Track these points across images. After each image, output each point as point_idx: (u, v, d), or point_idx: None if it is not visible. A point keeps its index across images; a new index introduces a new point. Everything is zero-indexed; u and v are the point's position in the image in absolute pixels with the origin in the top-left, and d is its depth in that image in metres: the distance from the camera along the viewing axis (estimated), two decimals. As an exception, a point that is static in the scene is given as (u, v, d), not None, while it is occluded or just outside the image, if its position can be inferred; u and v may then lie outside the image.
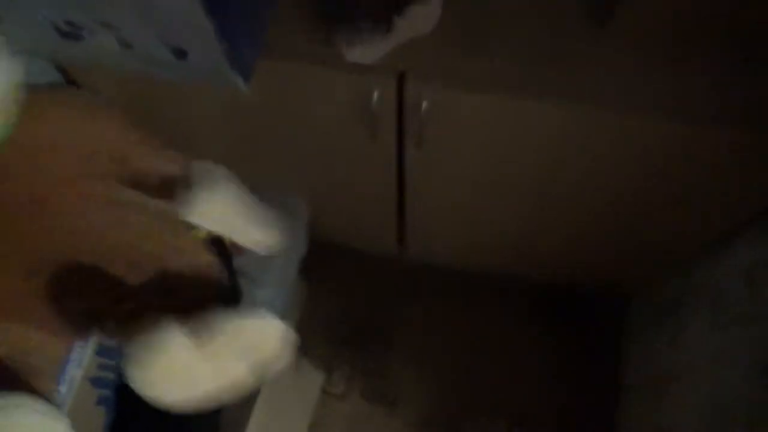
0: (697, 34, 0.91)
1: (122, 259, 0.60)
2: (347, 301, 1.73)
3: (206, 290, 0.68)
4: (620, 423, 1.43)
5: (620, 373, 1.50)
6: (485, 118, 0.97)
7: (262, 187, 0.89)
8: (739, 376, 0.99)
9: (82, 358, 0.73)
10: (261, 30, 0.89)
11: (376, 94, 0.96)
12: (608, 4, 0.90)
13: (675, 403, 1.21)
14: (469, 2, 0.94)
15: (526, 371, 1.59)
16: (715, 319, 1.12)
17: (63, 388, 0.70)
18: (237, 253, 1.33)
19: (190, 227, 0.67)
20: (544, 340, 1.61)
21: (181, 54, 0.80)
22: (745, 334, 1.01)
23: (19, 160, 0.57)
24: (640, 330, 1.47)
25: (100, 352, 0.77)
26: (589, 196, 1.11)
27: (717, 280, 1.14)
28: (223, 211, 0.68)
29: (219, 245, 0.78)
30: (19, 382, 0.57)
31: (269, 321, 0.60)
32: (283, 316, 1.07)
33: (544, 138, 0.98)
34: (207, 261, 0.70)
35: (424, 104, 0.95)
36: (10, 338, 0.57)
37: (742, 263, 1.07)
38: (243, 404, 1.18)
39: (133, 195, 0.62)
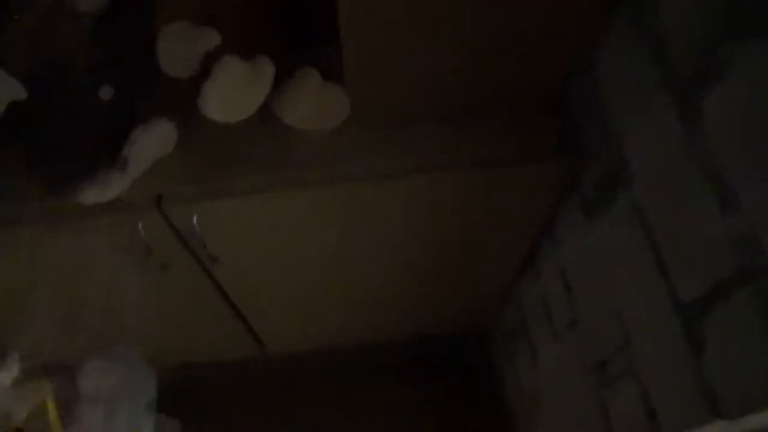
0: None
1: None
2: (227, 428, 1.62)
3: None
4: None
5: (504, 397, 1.51)
6: (256, 216, 0.94)
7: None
8: (581, 380, 1.02)
9: None
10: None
11: (141, 227, 0.90)
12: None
13: (544, 424, 1.22)
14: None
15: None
16: (553, 332, 1.15)
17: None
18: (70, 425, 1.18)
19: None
20: (420, 398, 1.60)
21: None
22: (573, 338, 1.05)
23: None
24: (505, 360, 1.49)
25: None
26: (391, 257, 1.12)
27: (543, 297, 1.18)
28: None
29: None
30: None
31: None
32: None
33: (315, 221, 0.97)
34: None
35: (195, 220, 0.90)
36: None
37: (555, 274, 1.11)
38: None
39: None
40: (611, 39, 0.80)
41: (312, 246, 1.05)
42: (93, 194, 0.81)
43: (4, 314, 1.12)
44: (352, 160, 0.88)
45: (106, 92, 0.89)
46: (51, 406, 1.20)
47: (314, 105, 0.86)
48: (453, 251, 1.12)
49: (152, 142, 0.83)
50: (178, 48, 0.86)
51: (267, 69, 0.84)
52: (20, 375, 1.16)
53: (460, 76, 0.81)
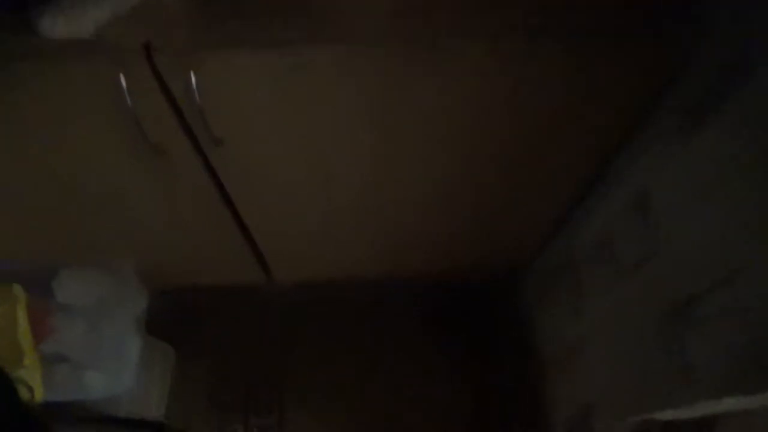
0: None
1: None
2: (224, 356, 1.47)
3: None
4: (546, 402, 1.25)
5: (535, 346, 1.33)
6: (273, 83, 0.74)
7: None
8: (651, 323, 0.83)
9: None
10: None
11: (123, 81, 0.71)
12: None
13: (588, 374, 1.04)
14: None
15: (433, 384, 1.38)
16: (616, 270, 0.96)
17: None
18: (43, 337, 1.03)
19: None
20: (446, 342, 1.42)
21: None
22: (644, 275, 0.86)
23: None
24: (539, 307, 1.30)
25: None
26: (432, 165, 0.92)
27: (604, 230, 0.99)
28: None
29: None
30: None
31: None
32: (146, 387, 1.01)
33: (346, 101, 0.77)
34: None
35: (193, 80, 0.71)
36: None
37: (629, 198, 0.92)
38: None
39: None
40: None
41: (341, 141, 0.86)
42: (59, 24, 0.62)
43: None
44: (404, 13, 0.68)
45: None
46: (21, 314, 1.04)
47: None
48: (506, 163, 0.92)
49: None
50: None
51: None
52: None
53: None
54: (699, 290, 0.73)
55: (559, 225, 1.15)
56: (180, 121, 0.80)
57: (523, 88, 0.75)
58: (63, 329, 1.10)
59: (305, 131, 0.83)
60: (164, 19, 0.68)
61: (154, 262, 1.23)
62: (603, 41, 0.69)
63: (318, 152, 0.89)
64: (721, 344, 0.69)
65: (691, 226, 0.76)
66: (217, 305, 1.51)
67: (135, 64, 0.70)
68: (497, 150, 0.88)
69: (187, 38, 0.69)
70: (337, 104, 0.78)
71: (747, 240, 0.65)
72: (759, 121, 0.64)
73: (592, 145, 0.90)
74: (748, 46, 0.66)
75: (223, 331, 1.50)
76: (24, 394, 0.81)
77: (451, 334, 1.45)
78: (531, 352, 1.32)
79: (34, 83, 0.72)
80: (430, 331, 1.45)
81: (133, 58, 0.69)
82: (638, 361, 0.88)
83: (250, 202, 1.05)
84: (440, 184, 0.97)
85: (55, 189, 0.95)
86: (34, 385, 0.98)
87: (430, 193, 1.00)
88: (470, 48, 0.69)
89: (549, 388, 1.24)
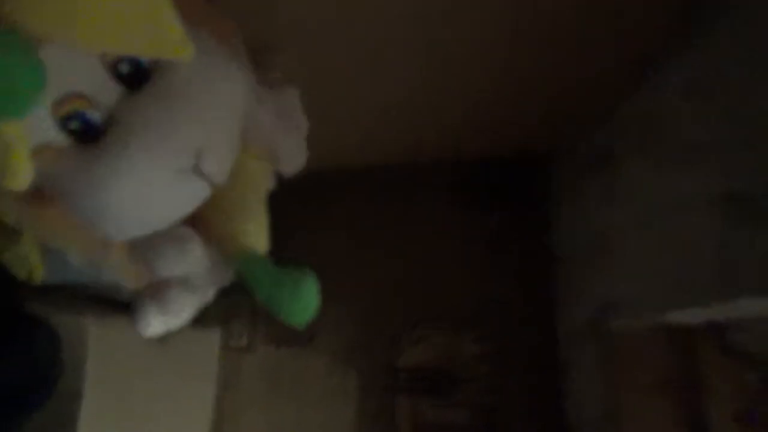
0: None
1: None
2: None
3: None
4: (562, 299, 1.23)
5: (554, 243, 1.27)
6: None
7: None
8: (698, 216, 0.78)
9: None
10: None
11: None
12: None
13: (619, 267, 0.99)
14: None
15: (455, 265, 1.34)
16: (658, 158, 0.89)
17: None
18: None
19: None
20: (472, 225, 1.36)
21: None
22: (697, 162, 0.78)
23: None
24: (570, 192, 1.22)
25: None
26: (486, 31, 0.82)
27: (657, 111, 0.89)
28: None
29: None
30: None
31: None
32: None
33: None
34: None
35: None
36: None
37: (676, 84, 0.80)
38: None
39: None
40: None
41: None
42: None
43: None
44: None
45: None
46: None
47: None
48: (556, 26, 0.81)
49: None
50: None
51: None
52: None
53: None
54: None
55: (602, 114, 1.04)
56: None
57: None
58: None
59: None
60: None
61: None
62: None
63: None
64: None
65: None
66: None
67: None
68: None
69: None
70: None
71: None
72: None
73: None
74: None
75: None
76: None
77: (478, 216, 1.36)
78: (557, 240, 1.25)
79: None
80: (458, 207, 1.37)
81: None
82: (682, 261, 0.83)
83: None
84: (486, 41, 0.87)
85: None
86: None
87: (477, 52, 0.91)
88: None
89: (572, 283, 1.19)
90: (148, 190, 0.59)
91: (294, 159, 0.83)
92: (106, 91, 0.56)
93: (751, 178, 0.69)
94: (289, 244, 1.39)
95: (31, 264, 0.76)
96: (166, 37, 0.51)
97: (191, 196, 0.63)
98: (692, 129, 0.81)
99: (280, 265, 0.69)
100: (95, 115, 0.56)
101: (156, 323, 0.73)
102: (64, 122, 0.55)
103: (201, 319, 0.93)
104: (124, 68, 0.56)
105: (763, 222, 0.66)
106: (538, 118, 1.13)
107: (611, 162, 1.04)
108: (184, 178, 0.59)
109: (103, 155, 0.57)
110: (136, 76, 0.57)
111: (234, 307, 1.36)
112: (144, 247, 0.69)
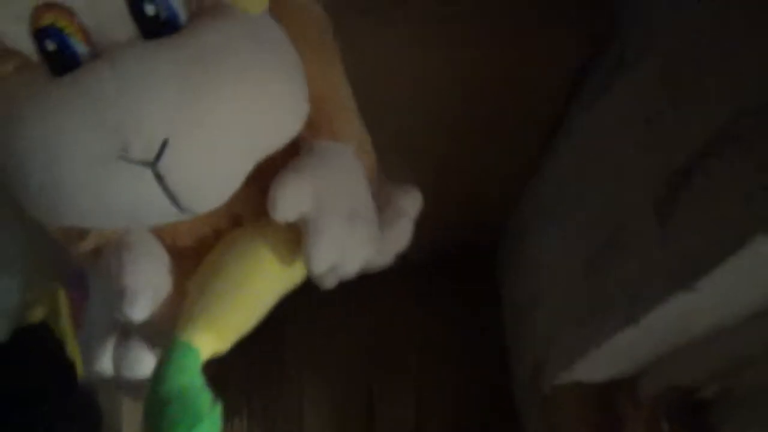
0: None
1: None
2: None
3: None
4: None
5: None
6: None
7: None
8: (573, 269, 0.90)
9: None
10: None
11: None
12: None
13: (538, 327, 1.10)
14: None
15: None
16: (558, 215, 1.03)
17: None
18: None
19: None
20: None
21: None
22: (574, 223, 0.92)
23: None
24: (511, 267, 1.35)
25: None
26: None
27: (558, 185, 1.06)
28: None
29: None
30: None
31: None
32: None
33: None
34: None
35: None
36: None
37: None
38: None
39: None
40: None
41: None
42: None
43: None
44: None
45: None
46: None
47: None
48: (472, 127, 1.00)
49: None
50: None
51: None
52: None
53: None
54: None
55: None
56: None
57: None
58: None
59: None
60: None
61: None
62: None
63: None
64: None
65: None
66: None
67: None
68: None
69: None
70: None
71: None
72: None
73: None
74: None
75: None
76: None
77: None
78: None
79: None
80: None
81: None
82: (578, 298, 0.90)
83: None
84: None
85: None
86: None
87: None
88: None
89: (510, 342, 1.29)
90: (58, 165, 0.45)
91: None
92: (113, 25, 0.46)
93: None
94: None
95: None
96: None
97: (134, 194, 0.47)
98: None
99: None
100: (79, 46, 0.46)
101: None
102: (39, 35, 0.45)
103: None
104: (150, 9, 0.46)
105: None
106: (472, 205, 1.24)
107: (533, 228, 1.17)
108: (112, 167, 0.45)
109: (39, 95, 0.46)
110: (158, 23, 0.46)
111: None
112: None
